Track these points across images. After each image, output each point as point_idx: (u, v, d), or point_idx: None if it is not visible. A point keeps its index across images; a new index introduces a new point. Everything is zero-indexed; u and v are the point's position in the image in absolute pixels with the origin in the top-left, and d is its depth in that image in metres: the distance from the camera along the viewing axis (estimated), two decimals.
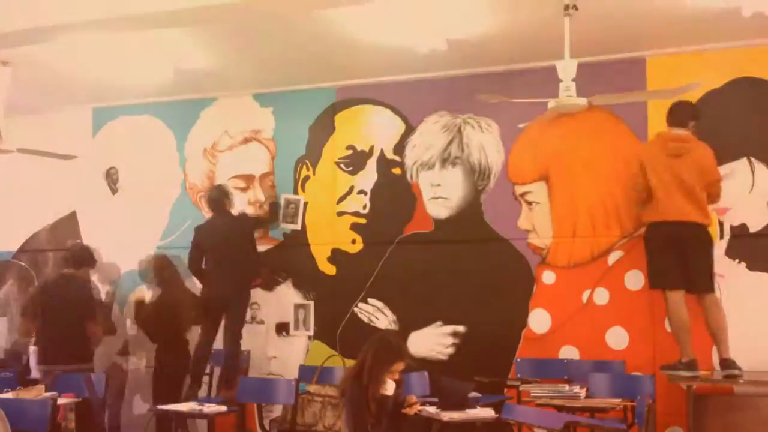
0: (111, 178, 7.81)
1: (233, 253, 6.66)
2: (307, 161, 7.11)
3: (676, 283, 5.46)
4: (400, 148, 6.80)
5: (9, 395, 5.32)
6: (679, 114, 5.61)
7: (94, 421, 5.95)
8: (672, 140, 5.54)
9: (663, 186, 5.48)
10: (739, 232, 5.83)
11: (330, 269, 6.94)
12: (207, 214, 7.31)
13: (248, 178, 7.28)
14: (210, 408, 5.48)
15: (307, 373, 6.24)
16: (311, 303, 6.97)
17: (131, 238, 7.58)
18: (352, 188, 6.92)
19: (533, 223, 6.37)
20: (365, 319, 6.76)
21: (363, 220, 6.88)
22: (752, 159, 5.83)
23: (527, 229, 6.38)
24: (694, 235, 5.46)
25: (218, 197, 6.82)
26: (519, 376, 6.09)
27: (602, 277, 6.13)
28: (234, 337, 6.66)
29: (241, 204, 7.20)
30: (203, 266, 6.77)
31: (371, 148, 6.90)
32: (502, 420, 4.80)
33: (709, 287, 5.47)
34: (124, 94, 7.43)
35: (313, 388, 5.74)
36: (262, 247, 7.12)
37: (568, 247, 6.25)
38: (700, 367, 5.37)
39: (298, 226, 7.07)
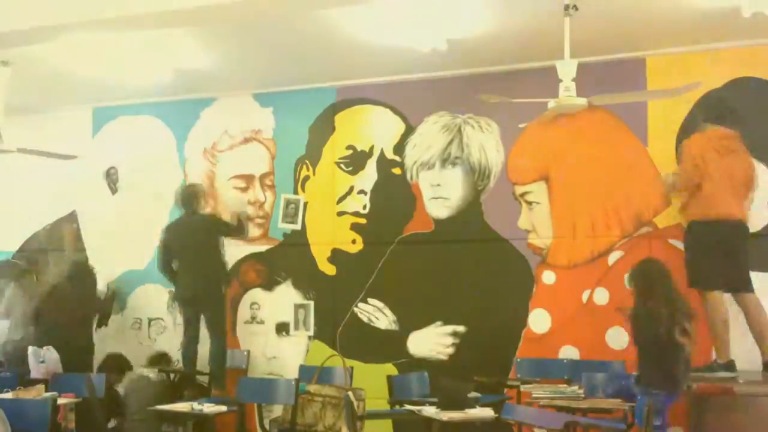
0: (111, 178, 7.80)
1: (202, 254, 6.79)
2: (307, 161, 7.11)
3: (717, 283, 5.36)
4: (400, 148, 6.80)
5: (9, 395, 5.33)
6: (719, 110, 5.56)
7: (94, 421, 5.95)
8: (721, 137, 5.44)
9: (712, 182, 5.35)
10: None
11: (330, 269, 6.94)
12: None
13: (248, 178, 7.28)
14: (210, 408, 5.48)
15: (307, 373, 6.24)
16: (311, 303, 6.97)
17: (131, 238, 7.58)
18: (352, 188, 6.92)
19: (533, 223, 6.37)
20: (365, 319, 6.76)
21: (363, 220, 6.87)
22: (752, 159, 5.82)
23: (527, 229, 6.38)
24: (738, 233, 5.40)
25: (189, 195, 6.94)
26: (519, 376, 6.09)
27: (602, 277, 6.13)
28: (215, 336, 6.70)
29: (240, 204, 7.22)
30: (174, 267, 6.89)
31: (371, 148, 6.90)
32: (502, 420, 4.80)
33: (749, 287, 5.41)
34: (124, 94, 7.43)
35: (313, 388, 5.74)
36: (262, 247, 7.15)
37: (568, 247, 6.24)
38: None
39: (298, 226, 7.07)
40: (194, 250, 6.79)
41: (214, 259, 6.92)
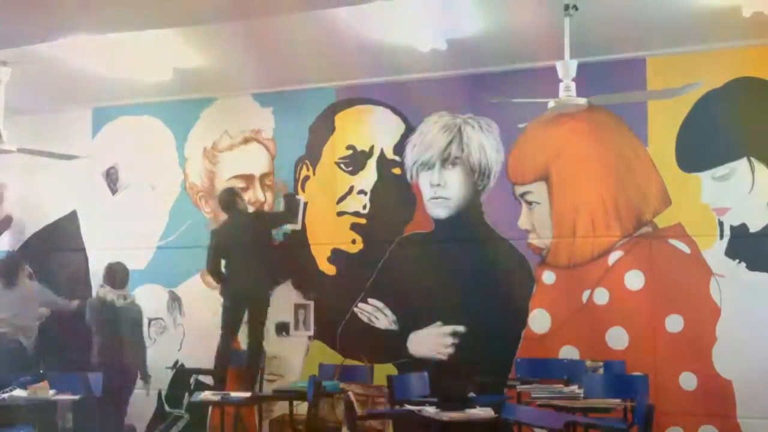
0: (111, 178, 7.80)
1: (252, 253, 6.62)
2: (307, 161, 7.11)
3: None
4: (400, 148, 6.79)
5: (17, 392, 5.43)
6: None
7: (92, 420, 5.96)
8: None
9: None
10: (739, 232, 5.83)
11: (330, 269, 6.93)
12: (207, 214, 7.37)
13: (248, 178, 7.28)
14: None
15: (325, 372, 6.32)
16: (311, 303, 6.97)
17: (131, 238, 7.58)
18: (352, 188, 6.92)
19: (533, 223, 6.37)
20: (365, 319, 6.76)
21: (363, 220, 6.87)
22: (752, 159, 5.83)
23: (527, 229, 6.38)
24: None
25: (229, 198, 6.81)
26: (519, 376, 6.09)
27: (602, 277, 6.13)
28: (253, 336, 6.62)
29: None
30: (223, 269, 6.70)
31: (371, 148, 6.90)
32: (502, 420, 4.80)
33: None
34: (124, 94, 7.43)
35: (342, 385, 5.82)
36: None
37: (568, 247, 6.24)
38: None
39: (298, 226, 7.06)
40: (245, 251, 6.59)
41: (263, 257, 6.76)
